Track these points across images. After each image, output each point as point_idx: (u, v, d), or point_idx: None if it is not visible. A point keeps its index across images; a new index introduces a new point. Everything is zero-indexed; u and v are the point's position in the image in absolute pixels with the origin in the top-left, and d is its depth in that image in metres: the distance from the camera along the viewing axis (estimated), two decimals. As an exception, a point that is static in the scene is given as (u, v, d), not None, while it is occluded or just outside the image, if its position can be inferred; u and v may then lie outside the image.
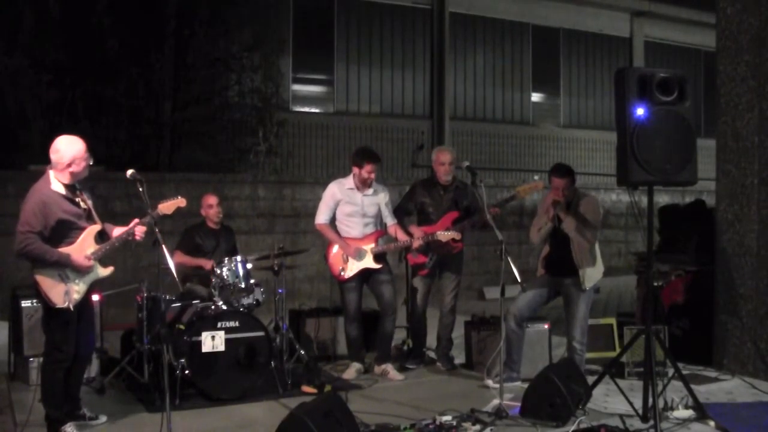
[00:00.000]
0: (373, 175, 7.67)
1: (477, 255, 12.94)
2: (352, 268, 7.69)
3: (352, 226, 7.78)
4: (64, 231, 5.74)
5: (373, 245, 7.77)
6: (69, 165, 5.72)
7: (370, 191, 7.77)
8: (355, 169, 7.70)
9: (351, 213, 7.76)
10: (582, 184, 14.04)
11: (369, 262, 7.71)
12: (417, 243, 7.73)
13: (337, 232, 7.82)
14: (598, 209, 7.34)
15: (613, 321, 8.47)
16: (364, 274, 7.76)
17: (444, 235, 7.66)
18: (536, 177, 7.77)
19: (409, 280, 8.32)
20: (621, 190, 14.55)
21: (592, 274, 7.28)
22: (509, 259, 6.42)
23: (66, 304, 5.66)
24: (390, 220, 7.92)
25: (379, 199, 7.85)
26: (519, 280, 6.46)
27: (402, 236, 7.83)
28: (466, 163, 7.17)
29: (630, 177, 6.06)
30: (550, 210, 7.23)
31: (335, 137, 14.72)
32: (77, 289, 5.76)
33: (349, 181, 7.76)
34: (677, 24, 19.88)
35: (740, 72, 8.03)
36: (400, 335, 8.49)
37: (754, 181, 7.87)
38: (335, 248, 7.80)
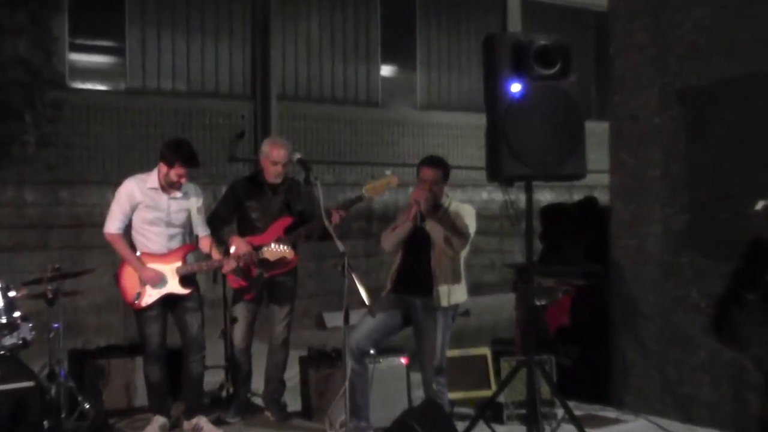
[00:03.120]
0: (183, 180, 7.61)
1: (315, 271, 12.91)
2: (152, 293, 7.58)
3: (154, 239, 7.67)
4: None
5: (179, 264, 7.68)
6: None
7: (179, 194, 7.70)
8: (163, 166, 7.60)
9: (153, 220, 7.65)
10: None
11: (174, 287, 7.64)
12: (228, 267, 7.75)
13: (133, 245, 7.68)
14: (472, 217, 7.44)
15: (486, 351, 8.51)
16: (169, 300, 7.67)
17: (273, 252, 7.69)
18: (388, 172, 7.97)
19: (228, 307, 8.23)
20: (493, 188, 14.79)
21: (452, 293, 7.36)
22: (354, 277, 6.45)
23: None
24: (202, 231, 7.89)
25: (189, 204, 7.78)
26: (367, 302, 6.53)
27: (217, 253, 7.82)
28: (298, 156, 7.25)
29: (503, 171, 6.18)
30: (413, 207, 7.25)
31: (129, 123, 14.20)
32: None
33: (152, 179, 7.65)
34: (562, -22, 20.33)
35: (637, 39, 8.18)
36: (217, 378, 8.37)
37: (656, 173, 8.03)
38: (130, 269, 7.65)
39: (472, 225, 7.36)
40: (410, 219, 7.28)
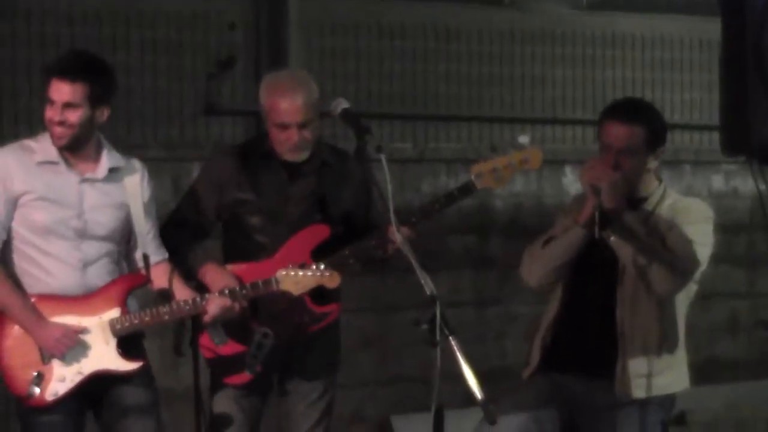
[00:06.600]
0: (72, 117, 4.94)
1: (375, 335, 9.68)
2: (64, 374, 5.11)
3: (53, 266, 5.11)
4: None
5: (116, 314, 5.11)
6: None
7: (101, 171, 5.10)
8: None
9: (50, 227, 5.10)
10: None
11: (106, 359, 5.17)
12: (210, 314, 5.22)
13: (16, 281, 5.08)
14: (706, 227, 5.24)
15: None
16: (92, 386, 5.12)
17: (297, 280, 5.30)
18: (524, 139, 6.08)
19: (203, 401, 5.65)
20: (736, 167, 10.97)
21: (657, 374, 5.15)
22: (454, 345, 4.34)
23: None
24: (156, 251, 5.33)
25: (123, 193, 5.24)
26: (479, 396, 4.31)
27: (184, 290, 5.25)
28: (343, 106, 5.00)
29: (758, 133, 4.89)
30: (588, 200, 4.99)
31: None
32: None
33: (44, 146, 5.10)
34: None
35: None
36: None
37: None
38: (16, 329, 5.13)
39: (705, 244, 5.11)
40: (581, 221, 5.04)
